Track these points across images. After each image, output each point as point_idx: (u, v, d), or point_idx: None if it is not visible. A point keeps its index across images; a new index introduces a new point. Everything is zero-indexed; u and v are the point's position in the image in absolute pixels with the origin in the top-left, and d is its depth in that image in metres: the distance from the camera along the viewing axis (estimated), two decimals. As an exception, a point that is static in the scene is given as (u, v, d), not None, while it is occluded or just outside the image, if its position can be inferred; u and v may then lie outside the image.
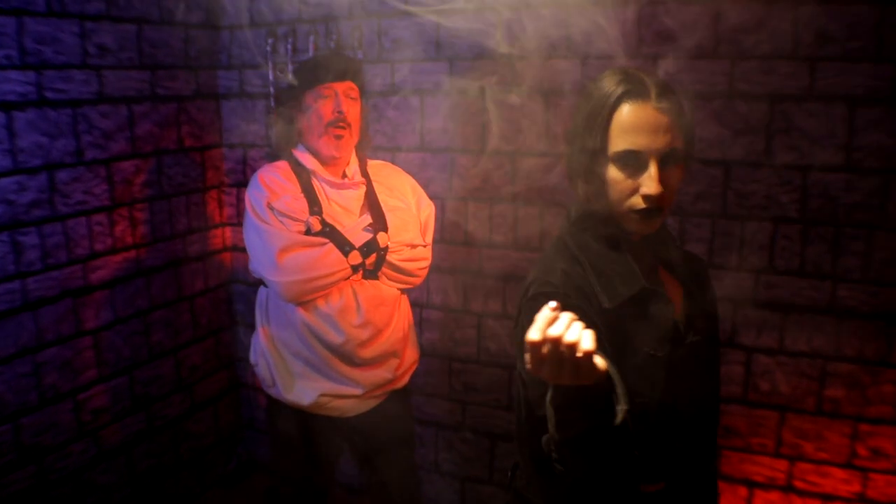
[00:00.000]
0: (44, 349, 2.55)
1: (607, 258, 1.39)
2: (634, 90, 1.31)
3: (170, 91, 2.97)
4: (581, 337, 0.99)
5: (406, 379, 2.37)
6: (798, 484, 2.50)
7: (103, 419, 2.80)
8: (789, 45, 2.28)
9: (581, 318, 1.03)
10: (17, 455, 2.48)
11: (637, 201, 1.32)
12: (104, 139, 2.69)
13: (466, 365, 2.97)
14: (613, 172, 1.33)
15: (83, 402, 2.71)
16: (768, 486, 2.54)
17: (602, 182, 1.36)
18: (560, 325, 0.99)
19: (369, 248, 2.17)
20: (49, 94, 2.48)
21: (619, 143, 1.32)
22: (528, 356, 1.02)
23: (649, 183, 1.29)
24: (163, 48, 2.91)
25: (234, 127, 3.27)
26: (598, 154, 1.35)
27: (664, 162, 1.30)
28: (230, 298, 3.44)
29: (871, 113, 2.22)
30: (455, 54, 2.76)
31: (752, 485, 2.56)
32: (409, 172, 2.48)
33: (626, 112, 1.31)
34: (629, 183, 1.32)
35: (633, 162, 1.31)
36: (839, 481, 2.44)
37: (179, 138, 3.05)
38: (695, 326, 1.44)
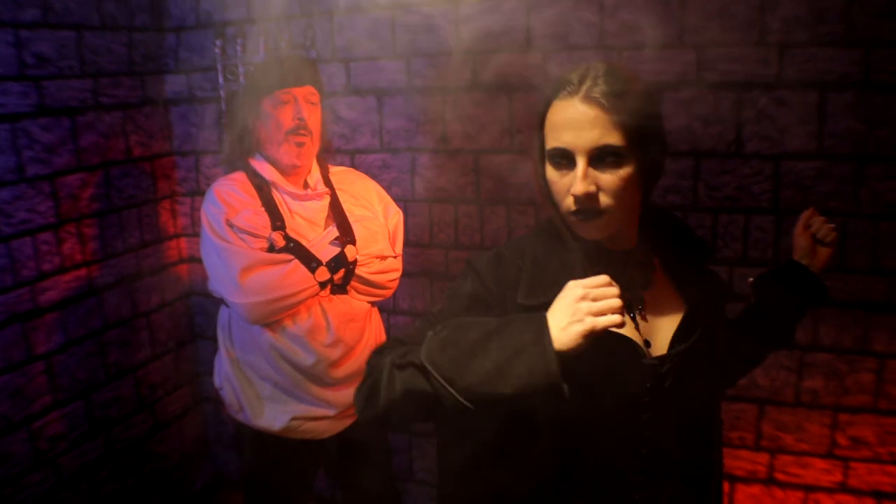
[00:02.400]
0: (-7, 378, 2.41)
1: (555, 261, 1.32)
2: (565, 86, 1.23)
3: (115, 99, 2.82)
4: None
5: (380, 395, 2.27)
6: (779, 476, 2.47)
7: (61, 446, 2.67)
8: (757, 32, 2.23)
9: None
10: (-30, 492, 2.35)
11: (570, 202, 1.24)
12: (46, 153, 2.54)
13: (439, 370, 2.89)
14: (550, 173, 1.27)
15: (38, 430, 2.57)
16: (749, 479, 2.51)
17: (546, 184, 1.30)
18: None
19: (337, 262, 2.07)
20: (-16, 109, 2.33)
21: (549, 141, 1.25)
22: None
23: (575, 182, 1.21)
24: (105, 54, 2.76)
25: (184, 134, 3.13)
26: (540, 155, 1.30)
27: (598, 160, 1.21)
28: (189, 311, 3.31)
29: (842, 98, 2.19)
30: (413, 50, 2.66)
31: (733, 479, 2.54)
32: (369, 174, 2.39)
33: (555, 109, 1.24)
34: (563, 183, 1.24)
35: (563, 160, 1.24)
36: (820, 472, 2.42)
37: (127, 148, 2.91)
38: (675, 355, 1.31)
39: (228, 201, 2.07)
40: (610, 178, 1.21)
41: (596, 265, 1.31)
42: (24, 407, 2.52)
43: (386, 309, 2.90)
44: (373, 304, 2.25)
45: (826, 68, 2.18)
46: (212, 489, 3.41)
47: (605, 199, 1.22)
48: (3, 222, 2.41)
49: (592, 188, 1.21)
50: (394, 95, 2.73)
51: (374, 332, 2.22)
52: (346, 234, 2.11)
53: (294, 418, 2.10)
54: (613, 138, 1.19)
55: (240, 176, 2.16)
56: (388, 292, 2.22)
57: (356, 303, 2.14)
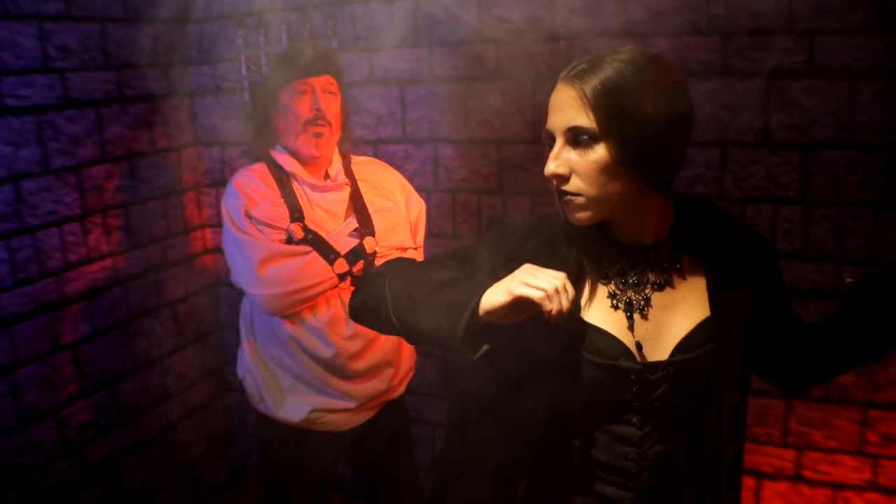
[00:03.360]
0: (21, 367, 2.44)
1: (555, 247, 1.32)
2: (564, 69, 1.23)
3: (139, 91, 2.84)
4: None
5: (402, 388, 2.26)
6: (807, 473, 2.43)
7: (88, 435, 2.70)
8: (785, 19, 2.17)
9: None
10: (-1, 478, 2.39)
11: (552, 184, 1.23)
12: (72, 145, 2.56)
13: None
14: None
15: (65, 418, 2.61)
16: (777, 476, 2.47)
17: None
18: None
19: (356, 254, 2.05)
20: (10, 102, 2.35)
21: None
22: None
23: (547, 162, 1.20)
24: (130, 46, 2.77)
25: (209, 125, 3.14)
26: None
27: (573, 141, 1.18)
28: (214, 302, 3.34)
29: (873, 87, 2.12)
30: (435, 40, 2.63)
31: (760, 475, 2.49)
32: (392, 165, 2.37)
33: (553, 92, 1.24)
34: None
35: (550, 142, 1.23)
36: (849, 469, 2.37)
37: (152, 139, 2.92)
38: (669, 364, 1.25)
39: (248, 193, 2.07)
40: (581, 161, 1.18)
41: (596, 253, 1.29)
42: (52, 396, 2.55)
43: (409, 300, 2.88)
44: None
45: (857, 56, 2.11)
46: (236, 478, 3.43)
47: (576, 182, 1.19)
48: (29, 213, 2.43)
49: (561, 169, 1.19)
50: (417, 85, 2.71)
51: (395, 325, 2.21)
52: (366, 226, 2.10)
53: (314, 410, 2.10)
54: (584, 120, 1.16)
55: (260, 167, 2.15)
56: (409, 284, 2.21)
57: (376, 295, 2.13)
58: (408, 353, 2.26)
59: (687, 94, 1.21)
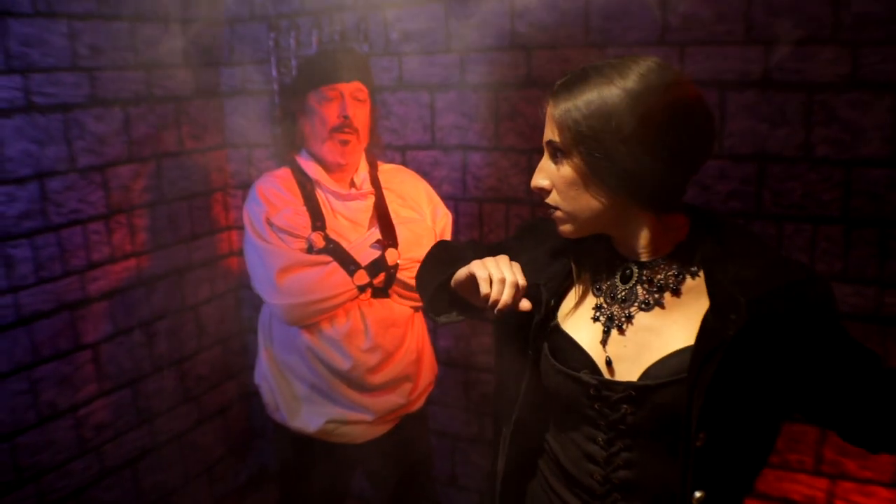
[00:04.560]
0: (40, 365, 2.43)
1: (558, 254, 1.34)
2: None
3: (168, 91, 2.82)
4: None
5: (421, 402, 2.21)
6: None
7: (106, 435, 2.69)
8: (828, 29, 2.08)
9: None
10: (15, 475, 2.37)
11: None
12: (98, 144, 2.56)
13: (483, 375, 2.82)
14: None
15: (84, 418, 2.60)
16: (808, 504, 2.37)
17: None
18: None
19: (377, 266, 2.00)
20: (38, 99, 2.35)
21: None
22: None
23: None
24: (159, 46, 2.75)
25: (237, 126, 3.12)
26: None
27: (552, 156, 1.20)
28: (238, 305, 3.32)
29: (921, 103, 2.03)
30: (467, 46, 2.58)
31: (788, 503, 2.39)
32: (419, 171, 2.33)
33: None
34: None
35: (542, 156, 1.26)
36: (884, 501, 2.27)
37: (180, 140, 2.91)
38: (629, 387, 1.18)
39: (270, 199, 2.03)
40: (556, 175, 1.19)
41: (595, 265, 1.28)
42: (71, 395, 2.54)
43: (432, 309, 2.83)
44: (419, 308, 2.18)
45: (904, 69, 2.02)
46: (255, 483, 3.41)
47: (554, 195, 1.21)
48: (54, 211, 2.43)
49: (541, 182, 1.22)
50: (446, 91, 2.67)
51: (416, 338, 2.15)
52: (389, 237, 2.05)
53: (329, 421, 2.06)
54: (554, 134, 1.17)
55: (284, 173, 2.12)
56: (432, 296, 2.15)
57: (398, 308, 2.08)
58: (428, 366, 2.21)
59: (690, 117, 1.12)
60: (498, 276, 1.22)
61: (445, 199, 2.28)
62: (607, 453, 1.23)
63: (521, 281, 1.23)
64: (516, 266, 1.27)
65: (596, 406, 1.21)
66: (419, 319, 2.20)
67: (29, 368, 2.40)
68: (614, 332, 1.22)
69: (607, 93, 1.10)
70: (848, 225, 2.17)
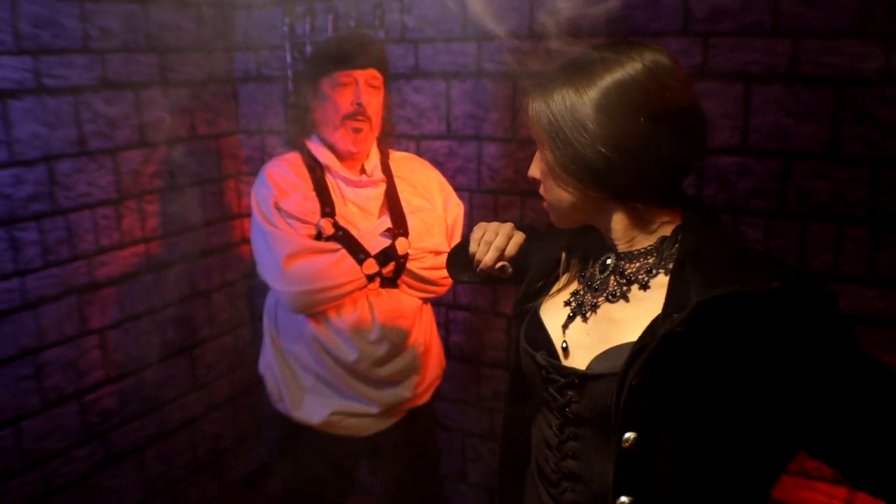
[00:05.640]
0: (46, 350, 2.41)
1: (560, 239, 1.35)
2: None
3: (181, 75, 2.78)
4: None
5: (428, 396, 2.16)
6: (860, 512, 2.25)
7: (112, 421, 2.66)
8: (860, 22, 2.00)
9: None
10: (20, 460, 2.35)
11: None
12: (109, 128, 2.52)
13: (495, 370, 2.76)
14: None
15: (90, 404, 2.58)
16: (826, 513, 2.30)
17: None
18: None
19: (386, 256, 1.96)
20: (48, 81, 2.32)
21: None
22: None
23: None
24: (173, 30, 2.72)
25: (251, 113, 3.08)
26: None
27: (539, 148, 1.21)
28: (250, 293, 3.28)
29: (956, 100, 1.94)
30: (484, 33, 2.52)
31: (807, 511, 2.32)
32: (434, 162, 2.28)
33: None
34: None
35: None
36: (907, 511, 2.18)
37: (192, 125, 2.87)
38: (575, 374, 1.15)
39: (279, 183, 1.99)
40: (539, 167, 1.21)
41: (585, 252, 1.28)
42: (77, 380, 2.52)
43: (445, 304, 2.79)
44: (427, 300, 2.13)
45: (940, 64, 1.94)
46: (262, 473, 3.38)
47: (542, 187, 1.23)
48: (62, 195, 2.40)
49: (531, 172, 1.24)
50: (463, 80, 2.61)
51: (424, 331, 2.10)
52: (399, 226, 2.00)
53: (334, 413, 2.02)
54: (532, 130, 1.19)
55: (294, 157, 2.07)
56: (442, 289, 2.11)
57: (406, 299, 2.03)
58: (435, 360, 2.16)
59: (659, 122, 1.06)
60: (487, 238, 1.39)
61: (460, 190, 2.23)
62: (558, 440, 1.22)
63: (507, 247, 1.39)
64: (515, 238, 1.41)
65: (550, 389, 1.21)
66: (427, 312, 2.15)
67: (34, 353, 2.38)
68: (578, 319, 1.21)
69: (573, 95, 1.09)
70: (875, 226, 2.09)
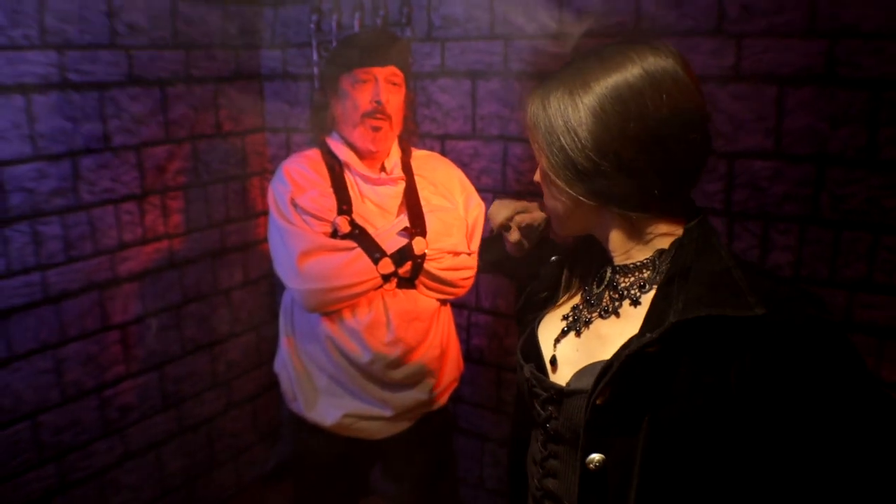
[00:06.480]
0: (66, 344, 2.42)
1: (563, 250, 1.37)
2: None
3: (207, 72, 2.78)
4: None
5: (444, 399, 2.12)
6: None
7: (131, 417, 2.67)
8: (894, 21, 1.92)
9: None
10: (36, 454, 2.36)
11: None
12: (134, 123, 2.53)
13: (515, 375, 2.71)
14: None
15: (109, 399, 2.58)
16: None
17: None
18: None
19: (403, 255, 1.92)
20: (73, 76, 2.32)
21: None
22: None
23: None
24: (199, 26, 2.71)
25: (277, 110, 3.07)
26: None
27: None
28: (272, 291, 3.27)
29: None
30: (511, 32, 2.48)
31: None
32: (458, 162, 2.24)
33: None
34: None
35: None
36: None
37: (217, 122, 2.87)
38: (556, 390, 1.11)
39: (296, 179, 1.97)
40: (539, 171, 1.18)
41: (588, 265, 1.24)
42: (97, 375, 2.53)
43: (468, 307, 2.75)
44: (446, 302, 2.09)
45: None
46: (284, 469, 3.36)
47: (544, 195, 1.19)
48: (86, 190, 2.41)
49: (536, 177, 1.19)
50: (489, 79, 2.57)
51: (441, 333, 2.06)
52: (417, 225, 1.96)
53: (347, 415, 1.98)
54: (528, 130, 1.15)
55: (313, 153, 2.05)
56: (461, 291, 2.06)
57: (423, 300, 1.99)
58: (452, 363, 2.11)
59: (667, 127, 1.00)
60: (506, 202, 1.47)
61: (484, 191, 2.18)
62: (541, 457, 1.18)
63: (521, 214, 1.44)
64: (534, 213, 1.44)
65: (535, 403, 1.18)
66: (446, 313, 2.11)
67: (55, 347, 2.38)
68: (572, 333, 1.17)
69: (568, 99, 1.05)
70: (912, 234, 2.01)
